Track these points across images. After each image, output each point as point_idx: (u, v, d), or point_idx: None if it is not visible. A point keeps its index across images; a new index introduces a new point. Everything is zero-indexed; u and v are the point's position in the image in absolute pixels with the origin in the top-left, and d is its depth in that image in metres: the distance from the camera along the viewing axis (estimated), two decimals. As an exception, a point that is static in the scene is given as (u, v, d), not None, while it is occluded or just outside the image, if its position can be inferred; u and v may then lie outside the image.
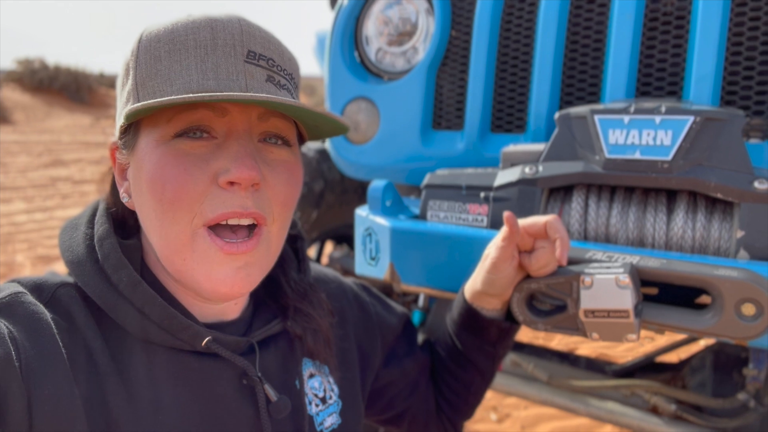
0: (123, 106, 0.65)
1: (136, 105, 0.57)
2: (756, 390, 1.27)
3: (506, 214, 0.80)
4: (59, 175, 8.45)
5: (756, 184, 0.82)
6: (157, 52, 0.61)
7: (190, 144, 0.61)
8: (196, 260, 0.62)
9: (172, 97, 0.56)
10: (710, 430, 1.31)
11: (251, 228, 0.64)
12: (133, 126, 0.64)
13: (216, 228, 0.62)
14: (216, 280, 0.62)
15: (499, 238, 0.82)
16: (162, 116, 0.61)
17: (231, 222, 0.62)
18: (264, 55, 0.63)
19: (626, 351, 3.45)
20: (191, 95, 0.56)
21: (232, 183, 0.61)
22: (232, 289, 0.63)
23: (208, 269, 0.62)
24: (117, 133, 0.66)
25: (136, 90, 0.62)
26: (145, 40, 0.62)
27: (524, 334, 3.21)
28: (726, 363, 1.41)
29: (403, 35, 1.35)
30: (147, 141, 0.62)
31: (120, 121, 0.64)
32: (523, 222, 0.82)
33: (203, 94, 0.56)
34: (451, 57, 1.29)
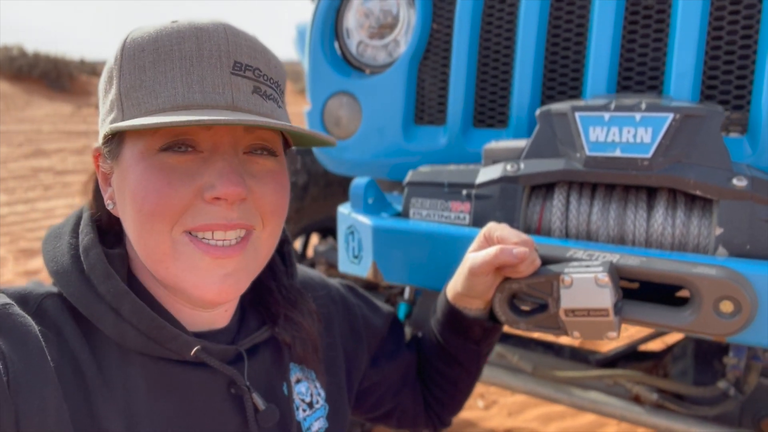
0: (107, 113, 0.63)
1: (120, 124, 0.56)
2: (736, 378, 1.29)
3: (520, 252, 0.78)
4: (41, 165, 8.30)
5: (734, 182, 0.83)
6: (141, 61, 0.60)
7: (175, 158, 0.60)
8: (180, 268, 0.61)
9: (158, 120, 0.55)
10: (691, 417, 1.33)
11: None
12: (117, 135, 0.63)
13: (198, 237, 0.61)
14: (203, 288, 0.62)
15: (491, 253, 0.79)
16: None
17: (217, 236, 0.62)
18: (250, 66, 0.62)
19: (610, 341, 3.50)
20: (176, 119, 0.54)
21: (217, 198, 0.60)
22: (219, 296, 0.63)
23: (195, 277, 0.61)
24: (100, 140, 0.65)
25: (120, 100, 0.61)
26: (129, 47, 0.61)
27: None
28: (707, 352, 1.42)
29: (384, 28, 1.33)
30: (132, 152, 0.61)
31: (104, 129, 0.63)
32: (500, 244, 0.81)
33: (189, 118, 0.54)
34: (432, 50, 1.28)
